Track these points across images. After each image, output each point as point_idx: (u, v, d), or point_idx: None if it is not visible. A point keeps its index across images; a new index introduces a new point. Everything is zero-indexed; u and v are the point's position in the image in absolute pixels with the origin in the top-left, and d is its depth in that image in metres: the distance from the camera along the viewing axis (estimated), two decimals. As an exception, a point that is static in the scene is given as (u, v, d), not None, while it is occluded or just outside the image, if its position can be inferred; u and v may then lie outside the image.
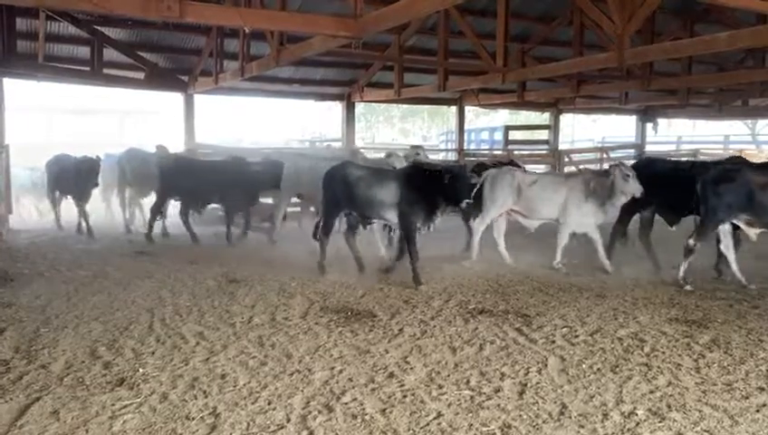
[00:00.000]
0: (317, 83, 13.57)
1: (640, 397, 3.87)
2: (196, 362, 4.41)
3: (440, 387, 3.99)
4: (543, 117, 18.29)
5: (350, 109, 14.21)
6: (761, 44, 7.60)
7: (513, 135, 18.03)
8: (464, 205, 6.76)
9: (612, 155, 18.00)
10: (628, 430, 3.46)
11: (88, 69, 10.69)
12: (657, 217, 7.75)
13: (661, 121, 19.20)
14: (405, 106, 30.48)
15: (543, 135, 18.06)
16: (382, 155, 10.73)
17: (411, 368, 4.33)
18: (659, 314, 5.71)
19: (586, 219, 7.53)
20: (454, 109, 15.96)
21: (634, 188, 7.12)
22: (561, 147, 18.33)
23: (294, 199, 10.34)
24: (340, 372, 4.24)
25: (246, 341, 4.87)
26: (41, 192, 11.36)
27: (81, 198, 9.86)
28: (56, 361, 4.40)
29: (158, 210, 9.78)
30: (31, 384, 3.99)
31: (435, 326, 5.28)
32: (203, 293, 6.37)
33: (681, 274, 6.75)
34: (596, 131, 31.66)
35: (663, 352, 4.67)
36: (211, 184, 9.35)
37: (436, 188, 6.62)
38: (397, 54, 10.73)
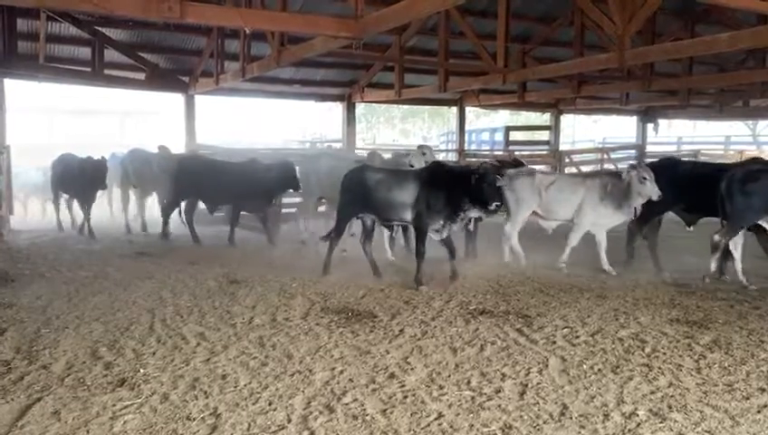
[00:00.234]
0: (317, 84, 13.59)
1: (641, 398, 3.87)
2: (197, 362, 4.41)
3: (441, 387, 3.99)
4: (544, 118, 18.32)
5: (350, 109, 14.23)
6: (761, 45, 7.61)
7: (514, 136, 18.06)
8: (493, 207, 6.56)
9: (613, 156, 18.03)
10: (630, 430, 3.46)
11: (89, 69, 10.72)
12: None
13: (662, 122, 19.22)
14: (405, 107, 30.49)
15: (544, 136, 18.08)
16: (389, 155, 10.72)
17: (412, 368, 4.32)
18: (660, 314, 5.71)
19: (601, 220, 7.48)
20: (454, 109, 15.98)
21: (651, 191, 6.98)
22: (562, 147, 18.35)
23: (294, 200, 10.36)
24: (341, 372, 4.24)
25: (247, 341, 4.87)
26: (48, 192, 11.37)
27: (87, 199, 9.84)
28: (57, 361, 4.40)
29: (172, 210, 9.73)
30: (32, 385, 3.99)
31: (435, 327, 5.28)
32: (204, 293, 6.37)
33: (713, 268, 6.80)
34: (597, 132, 31.65)
35: (664, 353, 4.66)
36: (226, 185, 9.28)
37: (462, 189, 6.51)
38: (397, 55, 10.74)
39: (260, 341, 4.88)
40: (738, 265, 6.84)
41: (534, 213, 7.82)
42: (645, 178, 7.00)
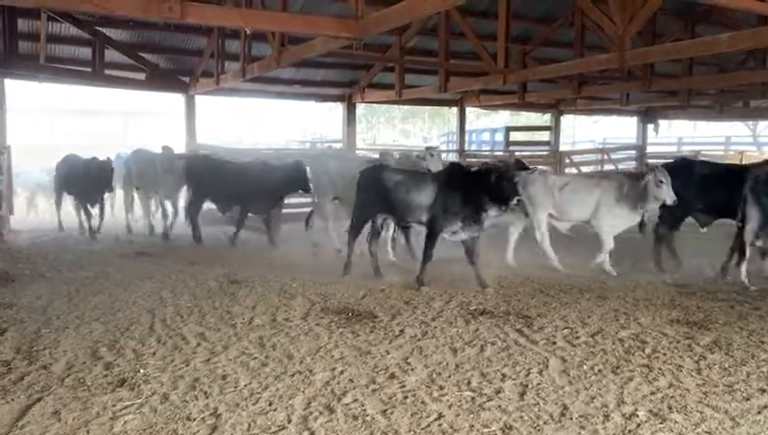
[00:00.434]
0: (318, 84, 13.59)
1: (641, 398, 3.87)
2: (197, 362, 4.41)
3: (441, 388, 3.99)
4: (544, 118, 18.31)
5: (350, 110, 14.22)
6: (762, 45, 7.61)
7: (514, 136, 18.04)
8: (514, 203, 6.54)
9: (613, 156, 18.04)
10: (630, 431, 3.46)
11: (89, 70, 10.72)
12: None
13: (662, 123, 19.20)
14: (406, 107, 30.48)
15: (544, 136, 18.06)
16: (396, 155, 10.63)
17: (412, 369, 4.32)
18: (660, 315, 5.71)
19: (616, 221, 7.45)
20: (455, 110, 15.97)
21: (666, 195, 6.95)
22: (562, 148, 18.33)
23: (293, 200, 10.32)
24: (341, 372, 4.24)
25: (247, 342, 4.87)
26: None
27: (92, 201, 9.80)
28: (57, 361, 4.40)
29: (197, 212, 9.68)
30: (32, 385, 3.99)
31: (436, 327, 5.28)
32: (204, 294, 6.38)
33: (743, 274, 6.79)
34: (597, 132, 31.65)
35: (664, 354, 4.67)
36: (239, 186, 9.24)
37: (481, 188, 6.47)
38: (398, 55, 10.73)
39: (260, 341, 4.88)
40: (744, 265, 6.83)
41: (549, 214, 7.78)
42: (662, 182, 6.95)
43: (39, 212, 12.74)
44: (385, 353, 4.63)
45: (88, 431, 3.40)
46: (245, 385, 4.00)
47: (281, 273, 7.24)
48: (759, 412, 3.69)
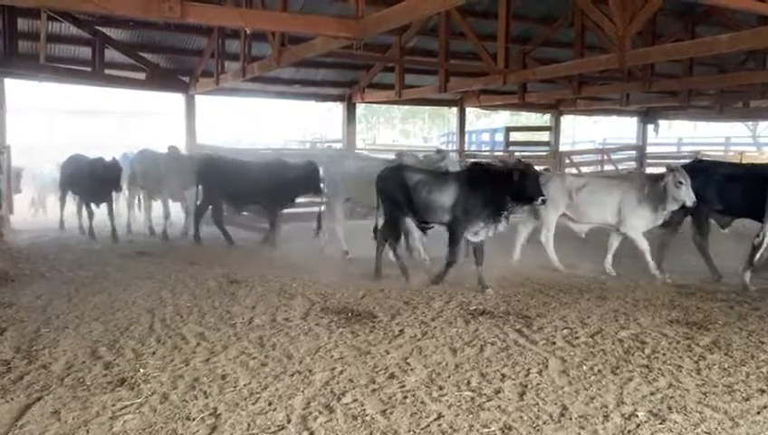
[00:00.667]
0: (318, 84, 13.58)
1: (641, 398, 3.87)
2: (197, 362, 4.41)
3: (441, 388, 3.99)
4: (544, 118, 18.33)
5: (350, 110, 14.22)
6: (762, 46, 7.60)
7: (514, 136, 18.04)
8: (539, 202, 6.50)
9: (613, 156, 18.05)
10: (629, 431, 3.46)
11: (89, 69, 10.70)
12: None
13: (662, 123, 19.22)
14: (406, 107, 30.54)
15: (544, 136, 18.06)
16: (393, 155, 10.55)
17: (412, 369, 4.33)
18: (660, 315, 5.71)
19: (641, 222, 7.36)
20: (454, 110, 15.96)
21: (686, 196, 6.87)
22: (562, 148, 18.34)
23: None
24: (341, 372, 4.24)
25: (247, 341, 4.87)
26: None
27: (99, 201, 9.77)
28: (57, 361, 4.40)
29: (220, 214, 9.62)
30: (31, 384, 3.99)
31: (435, 327, 5.28)
32: (204, 293, 6.38)
33: None
34: (597, 133, 31.69)
35: (664, 354, 4.67)
36: (253, 185, 9.18)
37: (504, 188, 6.42)
38: (398, 56, 10.73)
39: (260, 341, 4.88)
40: (753, 265, 6.80)
41: (564, 216, 7.72)
42: (681, 183, 6.88)
43: (48, 212, 12.74)
44: (384, 353, 4.63)
45: (87, 431, 3.40)
46: (245, 385, 4.00)
47: (281, 273, 7.24)
48: (758, 413, 3.69)
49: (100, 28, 10.33)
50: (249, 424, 3.48)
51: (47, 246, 9.20)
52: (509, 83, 10.07)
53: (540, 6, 10.86)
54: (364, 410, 3.68)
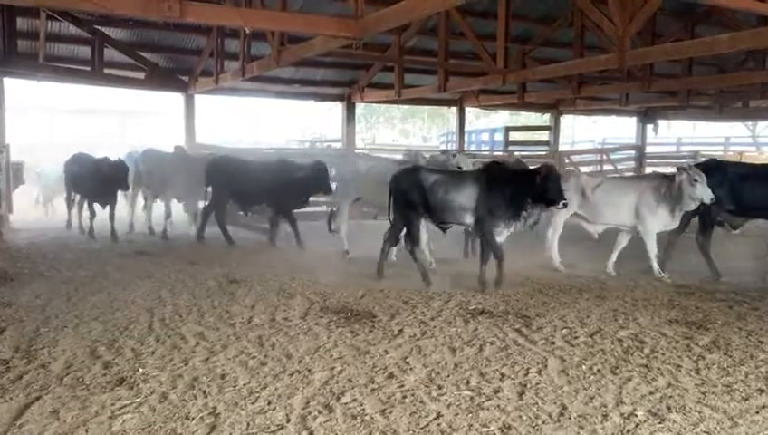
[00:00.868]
0: (317, 84, 13.58)
1: (640, 398, 3.87)
2: (196, 362, 4.41)
3: (440, 388, 3.99)
4: (544, 118, 18.31)
5: (350, 109, 14.22)
6: (761, 46, 7.61)
7: (514, 136, 18.06)
8: (560, 205, 6.47)
9: (612, 156, 18.05)
10: (628, 431, 3.46)
11: (88, 69, 10.70)
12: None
13: (661, 123, 19.22)
14: (405, 107, 30.53)
15: (544, 136, 18.07)
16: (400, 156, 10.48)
17: (411, 368, 4.32)
18: (659, 315, 5.71)
19: (658, 224, 7.27)
20: (454, 110, 15.97)
21: (702, 194, 6.74)
22: (562, 148, 18.35)
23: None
24: (340, 372, 4.24)
25: (246, 341, 4.87)
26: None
27: (104, 201, 9.72)
28: (56, 360, 4.40)
29: (223, 213, 9.59)
30: (31, 384, 3.98)
31: (435, 327, 5.28)
32: (203, 293, 6.37)
33: None
34: (596, 133, 31.71)
35: (663, 354, 4.67)
36: (263, 186, 9.16)
37: (525, 189, 6.37)
38: (397, 55, 10.73)
39: (259, 340, 4.88)
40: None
41: (578, 216, 7.63)
42: (696, 181, 6.78)
43: (56, 212, 12.72)
44: (384, 353, 4.63)
45: (86, 430, 3.40)
46: (244, 384, 4.00)
47: (280, 272, 7.24)
48: (757, 412, 3.69)
49: (100, 27, 10.32)
50: (248, 424, 3.48)
51: (46, 245, 9.19)
52: (508, 83, 10.07)
53: (539, 6, 10.87)
54: (363, 409, 3.68)
